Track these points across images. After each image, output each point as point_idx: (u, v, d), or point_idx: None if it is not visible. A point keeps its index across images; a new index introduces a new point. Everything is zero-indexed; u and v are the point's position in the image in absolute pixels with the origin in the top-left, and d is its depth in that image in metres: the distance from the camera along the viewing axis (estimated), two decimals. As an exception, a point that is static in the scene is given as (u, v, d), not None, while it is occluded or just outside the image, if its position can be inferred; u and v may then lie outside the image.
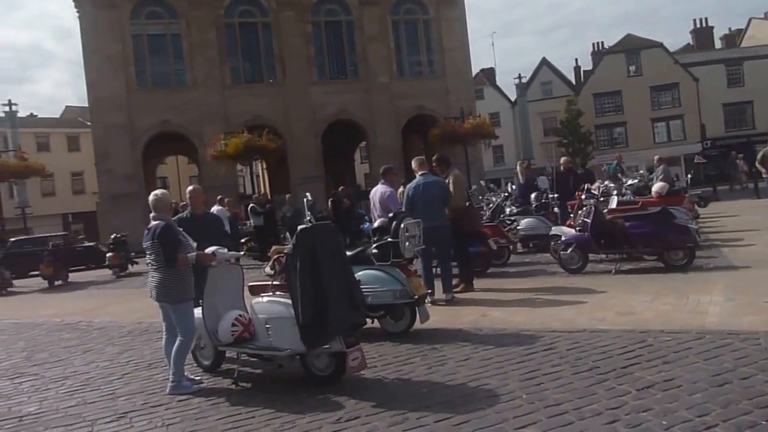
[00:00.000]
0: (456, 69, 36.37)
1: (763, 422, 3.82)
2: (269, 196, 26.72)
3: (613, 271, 9.70)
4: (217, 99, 32.66)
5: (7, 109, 30.61)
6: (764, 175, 19.88)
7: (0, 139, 30.34)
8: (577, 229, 10.15)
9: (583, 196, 10.51)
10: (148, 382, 6.16)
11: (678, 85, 52.94)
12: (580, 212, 10.41)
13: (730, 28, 61.84)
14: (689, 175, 16.29)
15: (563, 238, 10.24)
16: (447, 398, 4.83)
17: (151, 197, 5.91)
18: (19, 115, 33.01)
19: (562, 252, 10.07)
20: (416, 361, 5.95)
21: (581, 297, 8.03)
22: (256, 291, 6.12)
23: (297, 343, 5.29)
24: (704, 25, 56.44)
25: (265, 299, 5.77)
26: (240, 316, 5.86)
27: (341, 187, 19.47)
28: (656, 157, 19.21)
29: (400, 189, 10.04)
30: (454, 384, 5.18)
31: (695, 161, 33.19)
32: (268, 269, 6.02)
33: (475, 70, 45.11)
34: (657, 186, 12.48)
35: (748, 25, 58.36)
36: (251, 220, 19.24)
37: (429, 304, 7.57)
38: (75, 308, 12.24)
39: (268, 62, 34.67)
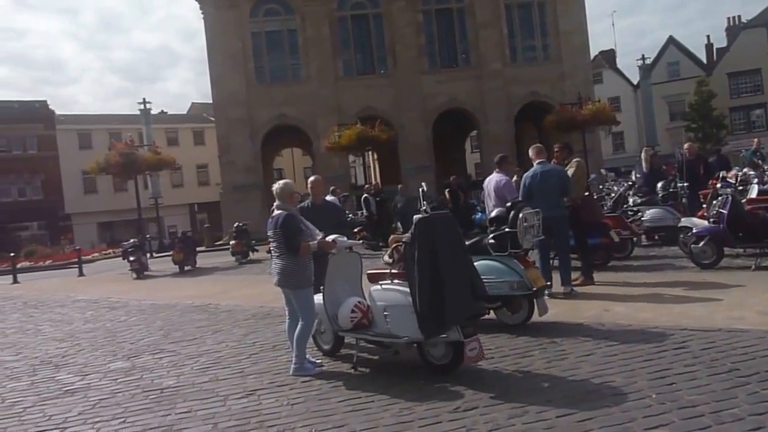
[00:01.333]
0: (573, 52, 35.00)
1: None
2: (380, 186, 27.05)
3: (753, 267, 8.96)
4: (330, 91, 33.40)
5: (142, 107, 32.77)
6: None
7: (136, 135, 32.48)
8: (711, 220, 9.48)
9: (718, 185, 9.81)
10: (273, 362, 6.43)
11: (828, 60, 48.02)
12: (714, 202, 9.72)
13: None
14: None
15: (694, 231, 9.61)
16: (569, 393, 4.69)
17: (275, 187, 6.12)
18: (152, 112, 35.22)
19: (693, 245, 9.46)
20: (535, 354, 5.82)
21: (716, 294, 7.52)
22: (374, 279, 6.20)
23: (414, 331, 5.32)
24: None
25: (384, 287, 5.83)
26: (359, 302, 5.97)
27: (453, 177, 19.35)
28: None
29: (514, 178, 9.82)
30: (576, 379, 5.01)
31: None
32: (386, 258, 6.07)
33: (593, 53, 43.31)
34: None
35: None
36: (363, 210, 19.55)
37: (547, 297, 7.36)
38: (203, 292, 12.98)
39: (379, 53, 35.01)
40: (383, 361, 6.12)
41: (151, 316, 10.38)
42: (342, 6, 34.36)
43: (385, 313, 5.68)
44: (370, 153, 35.00)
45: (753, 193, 10.60)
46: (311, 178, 7.77)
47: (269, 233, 6.02)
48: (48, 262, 30.60)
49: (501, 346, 6.18)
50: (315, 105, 32.85)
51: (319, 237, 5.95)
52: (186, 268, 18.41)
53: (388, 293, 5.73)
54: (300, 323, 5.93)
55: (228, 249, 20.86)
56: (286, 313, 6.27)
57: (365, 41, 35.02)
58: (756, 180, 11.44)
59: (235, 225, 20.26)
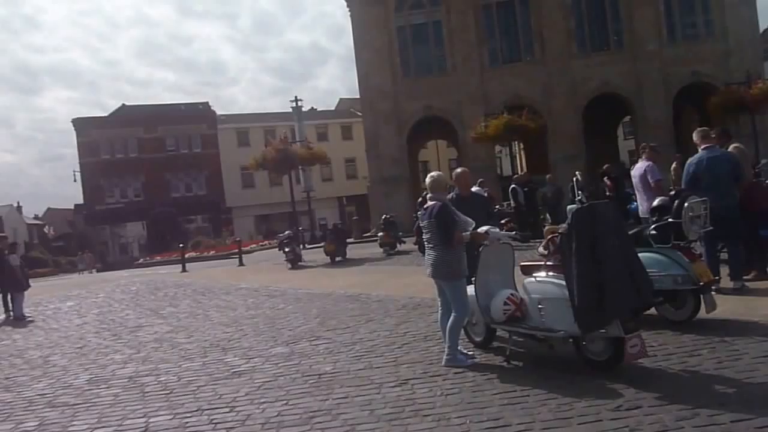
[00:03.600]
0: (739, 27, 31.90)
1: None
2: (529, 176, 26.40)
3: None
4: (476, 81, 33.10)
5: (294, 105, 34.45)
6: None
7: (289, 132, 34.23)
8: None
9: None
10: (425, 353, 6.53)
11: None
12: None
13: None
14: None
15: None
16: (745, 397, 4.35)
17: (428, 179, 6.21)
18: (303, 109, 36.86)
19: None
20: (703, 353, 5.44)
21: None
22: (528, 271, 6.09)
23: (571, 325, 5.17)
24: None
25: (538, 279, 5.73)
26: (512, 295, 5.91)
27: (606, 165, 18.47)
28: None
29: (673, 165, 9.23)
30: (753, 382, 4.63)
31: None
32: (541, 249, 5.95)
33: (762, 26, 39.31)
34: None
35: None
36: (511, 201, 19.22)
37: (715, 293, 6.84)
38: (354, 282, 13.40)
39: (526, 40, 34.13)
40: (536, 356, 6.00)
41: (307, 305, 10.88)
42: (487, -7, 33.89)
43: (540, 306, 5.58)
44: (516, 142, 34.34)
45: None
46: (458, 170, 7.76)
47: (423, 223, 6.11)
48: (211, 253, 33.25)
49: (665, 343, 5.84)
50: (460, 95, 32.74)
51: (471, 228, 5.95)
52: (337, 258, 19.03)
53: (543, 286, 5.61)
54: (453, 314, 5.97)
55: (376, 240, 21.35)
56: (438, 304, 6.34)
57: (511, 28, 34.32)
58: None
59: (383, 217, 20.70)
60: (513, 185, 19.28)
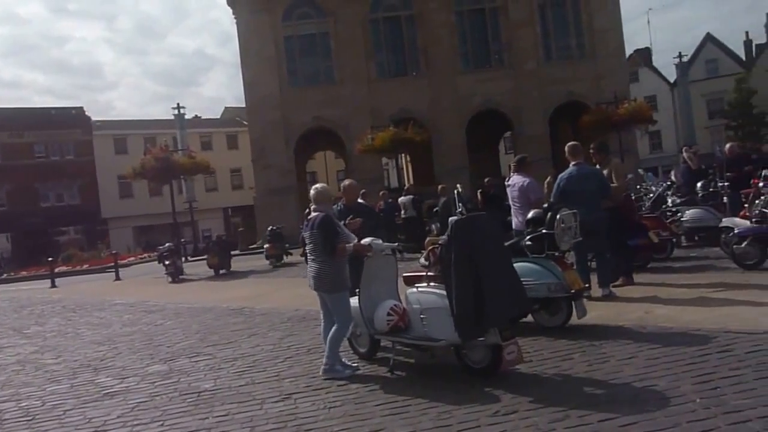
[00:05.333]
0: (608, 51, 34.47)
1: None
2: (414, 189, 26.97)
3: (798, 267, 8.72)
4: (363, 94, 33.50)
5: (176, 112, 33.29)
6: None
7: (170, 140, 33.01)
8: (754, 220, 9.23)
9: (761, 185, 9.55)
10: (309, 366, 6.43)
11: None
12: (756, 202, 9.47)
13: None
14: None
15: (736, 231, 9.35)
16: (611, 398, 4.59)
17: (312, 190, 6.16)
18: (186, 117, 35.73)
19: (735, 246, 9.20)
20: (575, 357, 5.72)
21: (761, 295, 7.28)
22: (410, 282, 6.17)
23: (452, 334, 5.27)
24: None
25: (420, 290, 5.80)
26: (395, 305, 5.95)
27: (487, 179, 19.19)
28: None
29: (548, 178, 9.69)
30: (619, 383, 4.91)
31: None
32: (422, 260, 6.03)
33: (629, 51, 42.61)
34: None
35: None
36: (402, 212, 19.51)
37: (586, 299, 7.24)
38: (238, 295, 13.06)
39: (412, 55, 35.02)
40: (420, 365, 6.08)
41: (188, 320, 10.49)
42: (375, 8, 34.51)
43: (422, 316, 5.65)
44: (403, 155, 35.00)
45: (797, 192, 10.27)
46: (345, 182, 7.81)
47: (305, 235, 6.05)
48: (85, 267, 31.31)
49: (540, 349, 6.09)
50: (348, 107, 32.98)
51: (353, 241, 5.96)
52: (221, 271, 18.59)
53: (425, 296, 5.69)
54: (335, 326, 5.94)
55: (262, 252, 21.01)
56: (321, 316, 6.28)
57: (398, 42, 35.11)
58: (800, 179, 11.10)
59: (270, 228, 20.43)
60: (410, 196, 19.59)
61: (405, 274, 6.50)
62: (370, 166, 31.92)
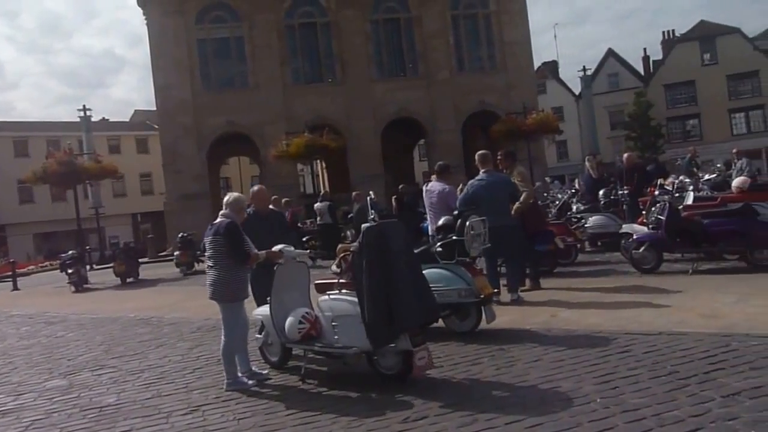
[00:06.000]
0: (517, 63, 35.70)
1: None
2: (329, 195, 26.93)
3: (691, 271, 9.28)
4: (278, 99, 33.14)
5: (82, 114, 31.76)
6: None
7: (75, 143, 31.47)
8: (650, 226, 9.76)
9: (656, 192, 10.12)
10: (219, 376, 6.23)
11: (758, 72, 50.37)
12: (653, 209, 10.02)
13: (817, 9, 58.47)
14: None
15: (635, 237, 9.88)
16: (518, 400, 4.71)
17: (228, 196, 6.03)
18: (93, 119, 34.24)
19: (634, 251, 9.72)
20: (484, 361, 5.84)
21: (657, 298, 7.71)
22: (322, 289, 6.12)
23: (363, 341, 5.27)
24: (786, 6, 53.56)
25: (332, 297, 5.77)
26: (307, 313, 5.88)
27: (401, 185, 19.42)
28: (735, 150, 18.33)
29: (460, 186, 9.87)
30: (525, 386, 5.05)
31: None
32: (334, 267, 6.00)
33: (538, 63, 44.28)
34: (738, 180, 11.73)
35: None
36: (318, 219, 19.40)
37: (495, 304, 7.42)
38: (147, 304, 12.61)
39: (328, 62, 34.96)
40: (332, 373, 6.04)
41: (92, 331, 10.01)
42: (290, 15, 34.22)
43: (334, 323, 5.61)
44: (319, 161, 34.88)
45: (689, 200, 10.97)
46: (254, 188, 7.68)
47: (206, 240, 5.86)
48: (-22, 276, 29.31)
49: (451, 354, 6.18)
50: (263, 113, 32.51)
51: (254, 251, 5.87)
52: (128, 280, 17.94)
53: (336, 303, 5.66)
54: (222, 338, 5.84)
55: (173, 260, 20.42)
56: (233, 325, 6.13)
57: (314, 50, 34.92)
58: (691, 187, 11.88)
59: (180, 235, 19.88)
60: (327, 202, 19.49)
61: (317, 282, 6.44)
62: (286, 172, 31.56)
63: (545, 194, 15.06)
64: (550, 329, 6.75)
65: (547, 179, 21.45)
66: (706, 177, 14.77)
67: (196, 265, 19.37)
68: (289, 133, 27.91)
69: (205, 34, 33.31)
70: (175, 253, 19.86)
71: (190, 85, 32.57)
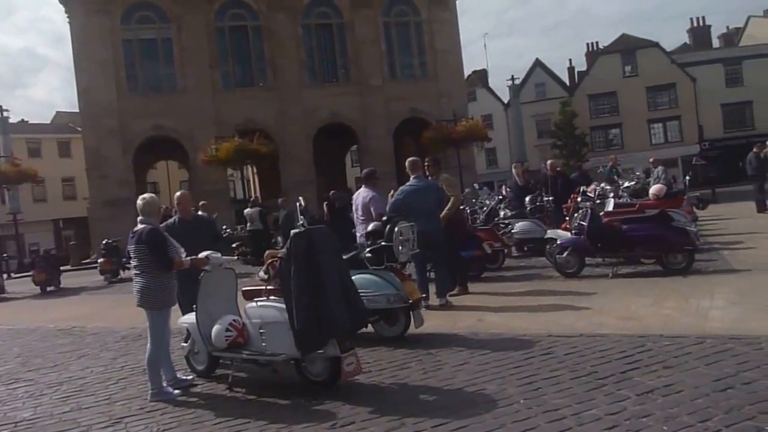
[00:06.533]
0: (448, 71, 36.35)
1: None
2: (260, 200, 26.66)
3: (611, 274, 9.65)
4: (208, 103, 32.57)
5: (-1, 115, 30.39)
6: None
7: (-10, 145, 30.07)
8: (573, 232, 10.09)
9: (579, 199, 10.48)
10: (144, 387, 6.07)
11: (675, 85, 52.80)
12: (575, 215, 10.37)
13: (728, 27, 61.31)
14: (687, 177, 16.23)
15: (558, 242, 10.19)
16: (444, 403, 4.79)
17: (139, 201, 5.87)
18: (11, 121, 32.72)
19: (558, 255, 10.02)
20: (412, 366, 5.90)
21: (578, 301, 7.99)
22: (249, 296, 6.06)
23: (291, 348, 5.24)
24: (701, 24, 55.93)
25: (259, 304, 5.72)
26: (234, 321, 5.80)
27: (332, 191, 19.40)
28: (652, 159, 19.18)
29: (391, 192, 9.95)
30: (451, 389, 5.13)
31: (694, 162, 32.88)
32: (261, 273, 5.95)
33: (468, 72, 45.12)
34: (655, 188, 12.34)
35: (746, 24, 57.78)
36: (248, 224, 19.16)
37: (424, 309, 7.52)
38: (68, 314, 12.17)
39: (259, 66, 34.61)
40: (261, 381, 5.97)
41: (7, 343, 9.60)
42: (220, 17, 33.71)
43: (261, 330, 5.56)
44: (250, 166, 34.40)
45: (609, 206, 11.41)
46: (177, 193, 7.54)
47: (130, 248, 5.74)
48: None
49: (379, 359, 6.22)
50: (192, 116, 31.86)
51: (184, 254, 5.77)
52: (49, 289, 17.32)
53: (264, 310, 5.61)
54: (149, 347, 5.72)
55: (97, 267, 19.75)
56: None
57: (244, 53, 34.53)
58: (612, 194, 12.38)
59: (104, 242, 19.29)
60: (258, 208, 19.24)
61: (244, 288, 6.36)
62: (215, 177, 31.03)
63: (474, 200, 15.33)
64: (476, 333, 6.88)
65: (476, 185, 21.82)
66: (626, 184, 15.39)
67: (121, 272, 18.84)
68: (218, 138, 27.45)
69: (131, 35, 32.41)
70: (99, 260, 19.19)
71: (116, 87, 31.62)
